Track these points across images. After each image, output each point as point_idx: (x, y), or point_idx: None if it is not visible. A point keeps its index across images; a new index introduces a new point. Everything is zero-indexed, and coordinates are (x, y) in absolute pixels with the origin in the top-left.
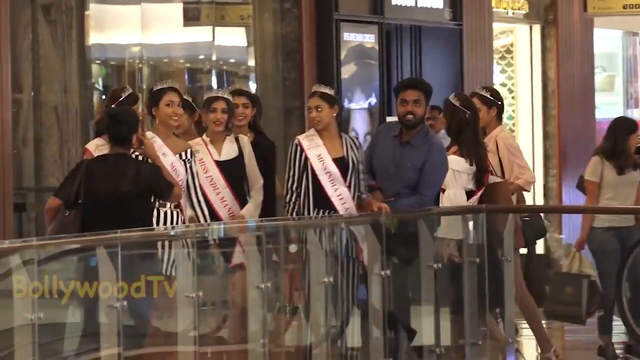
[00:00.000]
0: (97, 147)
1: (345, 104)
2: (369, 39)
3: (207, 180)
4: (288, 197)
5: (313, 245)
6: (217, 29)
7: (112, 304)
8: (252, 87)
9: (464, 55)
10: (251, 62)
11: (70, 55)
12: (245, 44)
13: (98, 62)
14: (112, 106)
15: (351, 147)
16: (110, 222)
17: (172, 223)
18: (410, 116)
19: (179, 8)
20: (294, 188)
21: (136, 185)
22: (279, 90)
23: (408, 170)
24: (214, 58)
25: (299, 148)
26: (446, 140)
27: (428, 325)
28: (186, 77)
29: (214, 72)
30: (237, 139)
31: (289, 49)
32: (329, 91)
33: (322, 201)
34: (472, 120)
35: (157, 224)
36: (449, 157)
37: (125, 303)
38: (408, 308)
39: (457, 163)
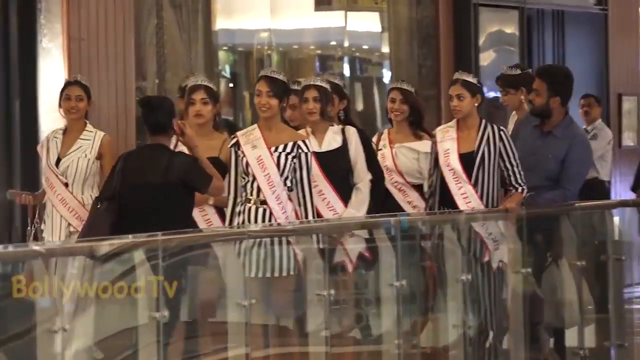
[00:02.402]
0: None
1: (485, 91)
2: (509, 25)
3: None
4: (428, 192)
5: (450, 242)
6: (349, 13)
7: (240, 302)
8: (387, 74)
9: (609, 41)
10: (385, 49)
11: (196, 40)
12: (379, 29)
13: (225, 48)
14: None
15: (492, 139)
16: (143, 214)
17: (256, 220)
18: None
19: None
20: (429, 183)
21: (167, 176)
22: (414, 78)
23: (549, 161)
24: (346, 44)
25: (434, 139)
26: (603, 131)
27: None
28: (317, 64)
29: (346, 59)
30: (343, 130)
31: (425, 34)
32: (472, 79)
33: (447, 198)
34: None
35: (244, 220)
36: (427, 142)
37: (253, 301)
38: (550, 307)
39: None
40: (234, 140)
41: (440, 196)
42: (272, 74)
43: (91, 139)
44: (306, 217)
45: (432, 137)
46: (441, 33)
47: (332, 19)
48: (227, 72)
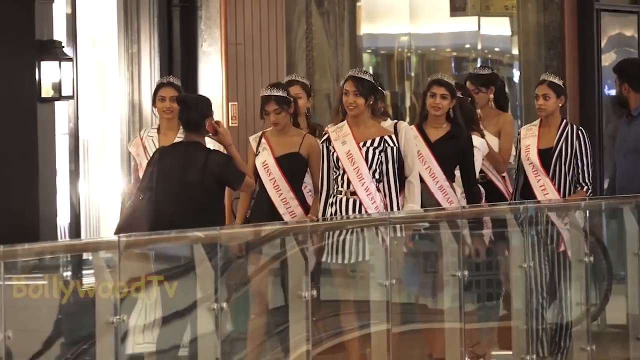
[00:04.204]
0: None
1: (605, 90)
2: (628, 28)
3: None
4: (514, 184)
5: (573, 226)
6: (482, 18)
7: (382, 283)
8: (516, 74)
9: None
10: (515, 51)
11: (342, 44)
12: (509, 33)
13: (369, 51)
14: None
15: (570, 137)
16: (178, 209)
17: (347, 211)
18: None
19: None
20: (514, 177)
21: (203, 173)
22: None
23: (637, 140)
24: (479, 47)
25: (519, 137)
26: None
27: None
28: (452, 65)
29: (479, 60)
30: (396, 125)
31: (552, 37)
32: (558, 81)
33: (528, 191)
34: (473, 104)
35: (336, 210)
36: (477, 138)
37: (394, 281)
38: None
39: (481, 144)
40: (326, 136)
41: (522, 189)
42: (359, 74)
43: None
44: (391, 207)
45: (482, 136)
46: (566, 36)
47: (467, 23)
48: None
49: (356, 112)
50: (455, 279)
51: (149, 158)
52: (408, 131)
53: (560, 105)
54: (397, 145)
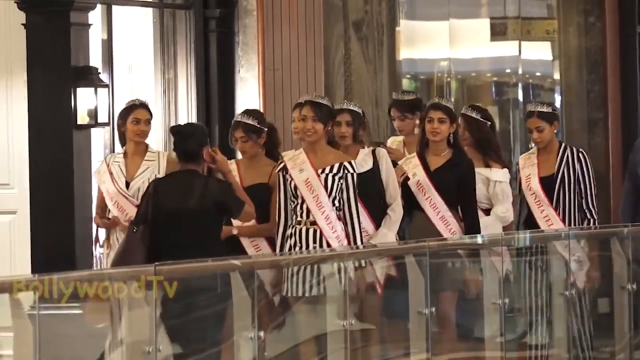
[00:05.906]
0: None
1: None
2: None
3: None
4: (517, 215)
5: (617, 254)
6: (523, 43)
7: (421, 311)
8: (557, 99)
9: None
10: (556, 75)
11: (381, 69)
12: (550, 57)
13: (408, 76)
14: None
15: (571, 160)
16: (178, 239)
17: (307, 241)
18: None
19: (486, 23)
20: (518, 208)
21: (203, 201)
22: (582, 102)
23: None
24: (520, 72)
25: (517, 167)
26: None
27: None
28: (493, 90)
29: (520, 85)
30: (374, 152)
31: (593, 61)
32: (546, 109)
33: (532, 221)
34: (493, 130)
35: (295, 242)
36: (498, 170)
37: (433, 310)
38: None
39: (504, 175)
40: (282, 165)
41: (525, 219)
42: (317, 99)
43: (156, 159)
44: (353, 236)
45: (503, 167)
46: (608, 60)
47: (507, 48)
48: None
49: (314, 138)
50: (496, 307)
51: (116, 184)
52: (388, 158)
53: (555, 131)
54: (356, 172)
